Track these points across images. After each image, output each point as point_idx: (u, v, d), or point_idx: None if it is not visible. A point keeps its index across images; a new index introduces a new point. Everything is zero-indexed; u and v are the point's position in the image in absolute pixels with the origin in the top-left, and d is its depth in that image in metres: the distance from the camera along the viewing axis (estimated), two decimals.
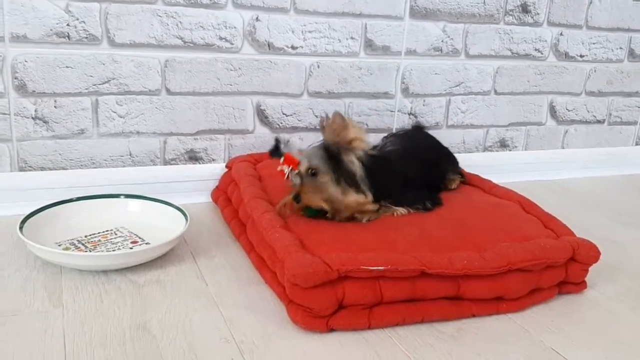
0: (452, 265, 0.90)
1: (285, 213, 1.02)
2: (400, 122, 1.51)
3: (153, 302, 0.91)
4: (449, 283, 0.91)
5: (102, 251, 1.02)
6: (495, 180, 1.35)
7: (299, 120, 1.41)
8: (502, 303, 0.95)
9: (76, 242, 1.05)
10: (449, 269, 0.89)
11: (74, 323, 0.84)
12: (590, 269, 1.02)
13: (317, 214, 1.03)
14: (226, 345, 0.81)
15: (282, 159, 1.03)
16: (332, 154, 1.02)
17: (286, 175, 1.03)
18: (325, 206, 1.01)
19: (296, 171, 1.02)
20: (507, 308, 0.95)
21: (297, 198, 1.01)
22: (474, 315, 0.93)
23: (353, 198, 1.02)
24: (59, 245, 1.03)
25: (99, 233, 1.09)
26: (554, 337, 0.89)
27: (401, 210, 1.07)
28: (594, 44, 1.69)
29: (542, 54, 1.62)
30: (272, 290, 0.95)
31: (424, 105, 1.53)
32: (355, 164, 1.03)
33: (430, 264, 0.88)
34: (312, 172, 1.01)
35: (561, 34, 1.63)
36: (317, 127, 1.34)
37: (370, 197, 1.03)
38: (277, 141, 1.11)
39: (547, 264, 0.96)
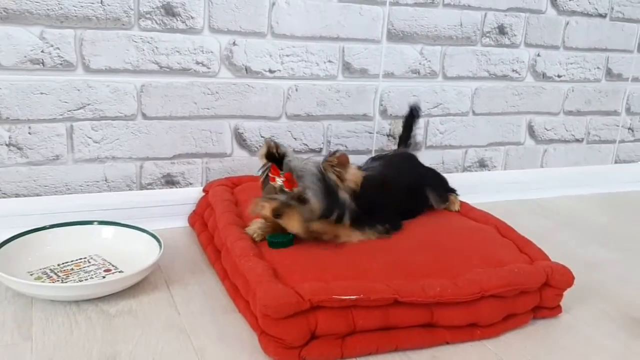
0: (425, 292, 0.89)
1: (259, 214, 1.02)
2: (379, 143, 1.52)
3: (124, 334, 0.90)
4: (422, 311, 0.90)
5: (75, 280, 1.01)
6: (474, 200, 1.36)
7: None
8: (476, 329, 0.94)
9: (48, 271, 1.04)
10: (422, 297, 0.89)
11: (42, 357, 0.83)
12: (565, 293, 1.02)
13: (281, 246, 1.01)
14: None
15: (280, 173, 1.00)
16: (327, 184, 1.01)
17: (276, 184, 1.00)
18: (300, 234, 1.01)
19: (288, 190, 1.00)
20: (481, 334, 0.95)
21: (277, 215, 1.00)
22: (447, 343, 0.93)
23: (336, 231, 1.03)
24: (31, 275, 1.02)
25: (72, 261, 1.08)
26: None
27: (356, 235, 1.06)
28: (571, 64, 1.70)
29: (519, 74, 1.64)
30: (246, 320, 0.95)
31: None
32: (346, 199, 1.03)
33: (403, 292, 0.88)
34: (302, 199, 1.00)
35: (538, 55, 1.64)
36: (299, 150, 1.34)
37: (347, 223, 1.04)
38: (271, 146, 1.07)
39: (521, 290, 0.96)
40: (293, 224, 1.00)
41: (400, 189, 1.16)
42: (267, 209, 1.01)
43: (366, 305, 0.87)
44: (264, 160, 1.04)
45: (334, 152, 1.02)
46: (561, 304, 1.03)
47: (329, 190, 1.01)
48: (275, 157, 1.02)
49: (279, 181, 1.00)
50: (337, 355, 0.86)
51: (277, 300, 0.83)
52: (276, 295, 0.84)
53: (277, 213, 1.00)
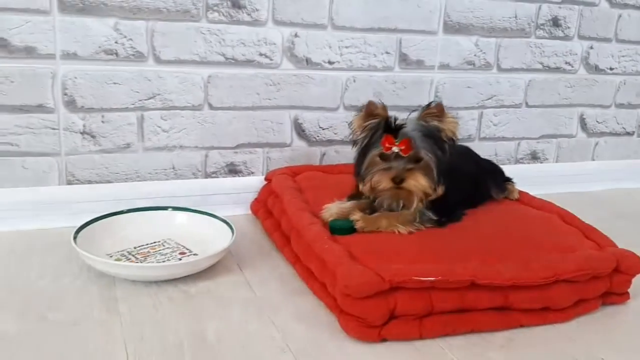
0: (501, 275, 0.91)
1: (379, 188, 1.02)
2: None
3: (207, 312, 0.93)
4: (497, 294, 0.92)
5: (153, 262, 1.05)
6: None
7: (335, 134, 1.43)
8: (549, 313, 0.96)
9: (126, 254, 1.08)
10: (498, 280, 0.91)
11: (133, 332, 0.86)
12: (633, 280, 1.03)
13: (343, 232, 1.03)
14: (283, 356, 0.83)
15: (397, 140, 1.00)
16: (433, 137, 1.02)
17: (390, 153, 1.00)
18: (428, 192, 1.02)
19: (405, 155, 1.01)
20: (554, 318, 0.96)
21: (400, 181, 1.00)
22: (522, 326, 0.94)
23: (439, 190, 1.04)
24: (110, 257, 1.06)
25: (147, 244, 1.12)
26: (601, 347, 0.90)
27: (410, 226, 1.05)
28: (623, 56, 1.70)
29: (572, 67, 1.64)
30: (321, 301, 0.97)
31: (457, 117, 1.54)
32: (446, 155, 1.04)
33: (479, 274, 0.90)
34: (418, 159, 1.02)
35: (591, 47, 1.64)
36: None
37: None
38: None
39: (593, 275, 0.97)
40: (420, 182, 1.01)
41: (465, 178, 1.18)
42: (385, 180, 1.01)
43: (444, 287, 0.89)
44: (367, 126, 1.03)
45: (429, 104, 1.03)
46: (629, 290, 1.04)
47: (437, 144, 1.02)
48: (391, 128, 1.01)
49: (395, 149, 1.00)
50: (415, 335, 0.88)
51: (358, 280, 0.86)
52: (357, 275, 0.87)
53: (399, 179, 1.00)
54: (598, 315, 1.01)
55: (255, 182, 1.37)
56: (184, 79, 1.27)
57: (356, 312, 0.87)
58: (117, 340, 0.84)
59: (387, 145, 1.01)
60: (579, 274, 0.95)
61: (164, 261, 1.06)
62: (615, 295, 1.03)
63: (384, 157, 1.03)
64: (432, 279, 0.88)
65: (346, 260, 0.91)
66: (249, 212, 1.36)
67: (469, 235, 1.04)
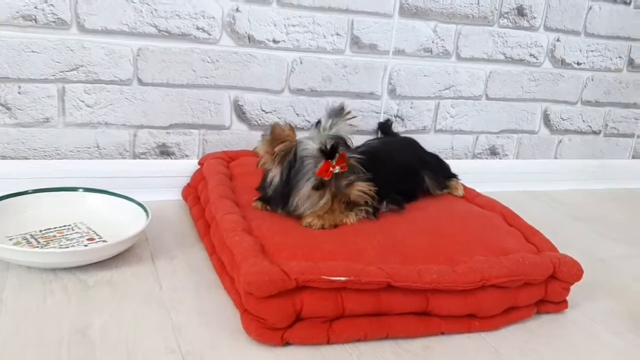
0: (421, 278, 0.83)
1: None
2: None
3: (99, 305, 0.85)
4: (417, 297, 0.84)
5: (54, 247, 0.96)
6: (483, 189, 1.29)
7: (279, 118, 1.35)
8: (474, 321, 0.88)
9: (29, 237, 0.99)
10: (417, 282, 0.83)
11: (9, 324, 0.78)
12: (572, 287, 0.96)
13: None
14: (170, 356, 0.75)
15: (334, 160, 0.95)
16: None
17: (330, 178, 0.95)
18: (372, 194, 0.98)
19: (345, 170, 0.96)
20: (479, 326, 0.89)
21: (346, 200, 0.97)
22: (442, 333, 0.87)
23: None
24: (10, 240, 0.98)
25: (55, 228, 1.04)
26: None
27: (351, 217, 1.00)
28: (592, 51, 1.62)
29: (537, 59, 1.56)
30: (230, 297, 0.89)
31: (411, 107, 1.46)
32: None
33: (397, 276, 0.82)
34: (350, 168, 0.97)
35: (558, 40, 1.57)
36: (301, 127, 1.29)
37: None
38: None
39: (525, 281, 0.90)
40: (363, 189, 0.97)
41: (392, 168, 1.10)
42: (335, 209, 0.96)
43: (357, 288, 0.81)
44: (279, 154, 0.96)
45: (341, 108, 0.99)
46: (567, 298, 0.97)
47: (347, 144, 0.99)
48: (327, 154, 0.94)
49: (337, 169, 0.94)
50: (323, 339, 0.81)
51: (261, 277, 0.78)
52: (261, 272, 0.79)
53: (346, 199, 0.96)
54: (530, 324, 0.93)
55: (189, 166, 1.29)
56: (110, 51, 1.17)
57: (258, 311, 0.79)
58: None
59: (329, 171, 0.94)
60: (509, 280, 0.88)
61: (67, 247, 0.97)
62: (551, 303, 0.96)
63: (321, 185, 0.95)
64: (343, 278, 0.80)
65: (253, 254, 0.83)
66: (181, 198, 1.27)
67: (396, 232, 0.96)
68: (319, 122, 1.01)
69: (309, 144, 0.97)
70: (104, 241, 1.00)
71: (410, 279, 0.83)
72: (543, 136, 1.65)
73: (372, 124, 1.44)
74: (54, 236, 1.01)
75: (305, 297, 0.80)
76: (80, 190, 1.10)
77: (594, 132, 1.72)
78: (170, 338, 0.79)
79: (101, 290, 0.89)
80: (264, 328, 0.79)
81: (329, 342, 0.81)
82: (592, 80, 1.66)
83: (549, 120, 1.65)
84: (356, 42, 1.36)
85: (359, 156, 0.98)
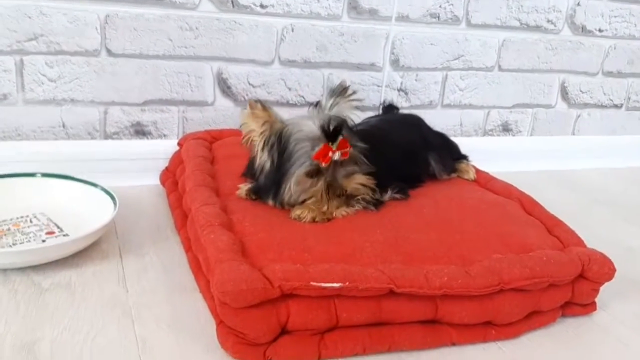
0: (429, 282, 0.71)
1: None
2: (388, 98, 1.31)
3: (52, 314, 0.73)
4: (424, 304, 0.72)
5: (6, 245, 0.84)
6: (495, 169, 1.17)
7: (269, 93, 1.21)
8: (491, 329, 0.76)
9: None
10: (424, 288, 0.70)
11: None
12: (602, 288, 0.83)
13: None
14: None
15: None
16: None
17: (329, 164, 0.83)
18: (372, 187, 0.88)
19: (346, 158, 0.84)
20: (496, 335, 0.77)
21: (342, 192, 0.86)
22: (453, 344, 0.75)
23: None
24: None
25: (10, 220, 0.91)
26: None
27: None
28: (615, 17, 1.48)
29: (555, 26, 1.42)
30: (206, 302, 0.77)
31: (416, 80, 1.33)
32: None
33: (400, 280, 0.70)
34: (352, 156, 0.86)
35: (578, 4, 1.42)
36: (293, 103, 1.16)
37: None
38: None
39: (550, 283, 0.77)
40: (363, 182, 0.86)
41: (392, 149, 0.97)
42: (330, 202, 0.85)
43: (353, 295, 0.69)
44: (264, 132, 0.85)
45: (344, 87, 0.89)
46: (596, 300, 0.84)
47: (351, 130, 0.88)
48: (329, 134, 0.82)
49: (336, 155, 0.82)
50: (313, 355, 0.69)
51: (238, 285, 0.65)
52: (238, 278, 0.66)
53: (343, 191, 0.85)
54: (555, 329, 0.81)
55: (167, 147, 1.15)
56: (74, 18, 1.04)
57: (236, 324, 0.67)
58: None
59: (328, 155, 0.82)
60: (531, 282, 0.75)
61: (22, 242, 0.85)
62: (578, 306, 0.83)
63: (316, 172, 0.83)
64: (337, 285, 0.67)
65: (229, 256, 0.70)
66: (159, 183, 1.14)
67: (398, 226, 0.83)
68: (318, 102, 0.90)
69: (307, 124, 0.84)
70: (65, 235, 0.88)
71: (416, 283, 0.70)
72: (560, 110, 1.52)
73: (374, 98, 1.30)
74: (9, 229, 0.89)
75: (292, 306, 0.68)
76: (39, 175, 0.96)
77: (616, 106, 1.59)
78: (133, 354, 0.67)
79: (57, 295, 0.77)
80: (243, 343, 0.67)
81: (320, 358, 0.69)
82: (614, 49, 1.51)
83: (567, 93, 1.51)
84: (354, 7, 1.22)
85: (364, 145, 0.86)
